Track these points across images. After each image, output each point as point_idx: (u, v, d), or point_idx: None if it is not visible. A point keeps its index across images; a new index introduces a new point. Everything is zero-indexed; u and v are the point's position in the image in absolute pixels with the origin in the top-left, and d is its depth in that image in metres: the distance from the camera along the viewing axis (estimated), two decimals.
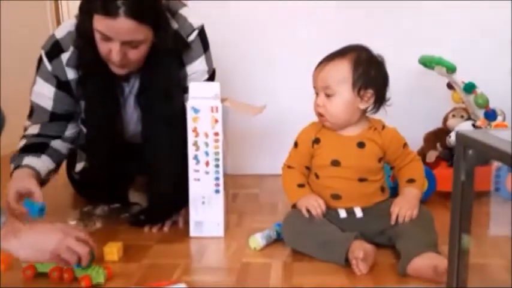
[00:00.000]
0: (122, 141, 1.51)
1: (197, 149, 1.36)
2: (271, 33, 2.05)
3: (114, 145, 1.47)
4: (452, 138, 1.67)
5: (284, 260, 1.25)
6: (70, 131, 1.52)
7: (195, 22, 1.47)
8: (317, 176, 1.33)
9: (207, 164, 1.36)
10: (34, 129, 1.48)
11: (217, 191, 1.38)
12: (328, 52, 1.31)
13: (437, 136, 1.78)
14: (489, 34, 1.95)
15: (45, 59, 1.44)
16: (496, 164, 1.59)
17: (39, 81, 1.46)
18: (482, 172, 1.60)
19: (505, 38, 1.92)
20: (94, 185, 1.55)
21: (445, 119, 1.82)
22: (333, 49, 1.31)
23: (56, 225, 1.11)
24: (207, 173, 1.37)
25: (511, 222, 1.32)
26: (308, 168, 1.35)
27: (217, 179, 1.37)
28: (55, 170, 1.50)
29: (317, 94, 1.31)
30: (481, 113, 1.70)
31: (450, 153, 1.71)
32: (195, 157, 1.36)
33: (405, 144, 1.35)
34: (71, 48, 1.42)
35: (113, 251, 1.24)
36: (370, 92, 1.27)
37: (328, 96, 1.28)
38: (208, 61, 1.52)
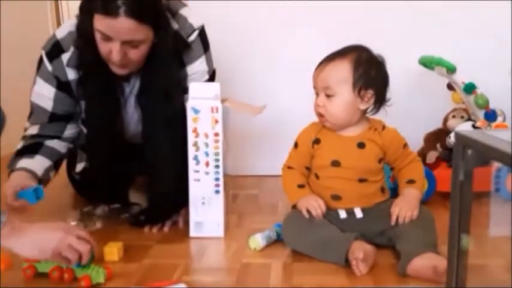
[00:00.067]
0: (122, 142, 1.51)
1: (197, 149, 1.36)
2: (271, 33, 2.05)
3: (114, 145, 1.47)
4: (452, 138, 1.67)
5: (284, 261, 1.25)
6: (69, 131, 1.52)
7: (196, 22, 1.47)
8: (317, 177, 1.33)
9: (207, 164, 1.36)
10: (33, 130, 1.48)
11: (217, 192, 1.38)
12: (328, 52, 1.31)
13: (438, 137, 1.78)
14: (489, 34, 1.95)
15: (45, 60, 1.44)
16: (496, 164, 1.59)
17: (40, 82, 1.46)
18: (482, 172, 1.60)
19: (505, 38, 1.92)
20: (94, 185, 1.55)
21: (445, 120, 1.82)
22: (333, 49, 1.31)
23: (58, 223, 1.12)
24: (207, 173, 1.37)
25: (511, 222, 1.31)
26: (308, 168, 1.35)
27: (217, 179, 1.37)
28: (55, 169, 1.50)
29: (317, 94, 1.31)
30: (481, 114, 1.70)
31: (450, 153, 1.71)
32: (195, 157, 1.36)
33: (405, 145, 1.35)
34: (72, 49, 1.42)
35: (113, 251, 1.24)
36: (370, 93, 1.27)
37: (328, 96, 1.28)
38: (209, 61, 1.52)
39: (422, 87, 1.99)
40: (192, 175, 1.37)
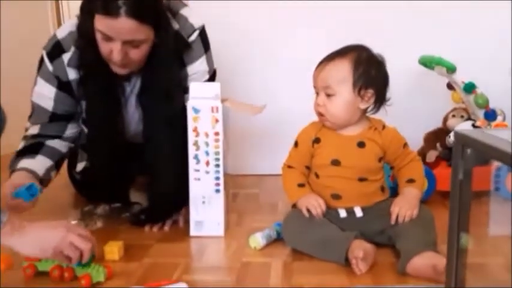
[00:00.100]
0: (123, 141, 1.52)
1: (197, 148, 1.36)
2: (271, 33, 2.05)
3: (115, 145, 1.47)
4: (452, 138, 1.67)
5: (284, 260, 1.25)
6: (70, 130, 1.52)
7: (196, 22, 1.47)
8: (317, 176, 1.33)
9: (208, 163, 1.37)
10: (34, 130, 1.49)
11: (217, 191, 1.38)
12: (328, 52, 1.31)
13: (437, 136, 1.78)
14: (489, 34, 1.95)
15: (46, 60, 1.44)
16: (495, 163, 1.59)
17: (40, 82, 1.46)
18: (482, 172, 1.60)
19: (505, 38, 1.92)
20: (95, 184, 1.56)
21: (445, 119, 1.82)
22: (333, 49, 1.31)
23: (59, 222, 1.13)
24: (207, 172, 1.37)
25: (511, 221, 1.32)
26: (308, 167, 1.35)
27: (217, 178, 1.38)
28: (56, 168, 1.50)
29: (317, 94, 1.31)
30: (481, 113, 1.71)
31: (450, 153, 1.71)
32: (196, 157, 1.37)
33: (405, 144, 1.35)
34: (72, 49, 1.42)
35: (113, 250, 1.25)
36: (370, 92, 1.27)
37: (328, 96, 1.28)
38: (209, 61, 1.52)
39: (422, 86, 1.99)
40: (192, 174, 1.37)
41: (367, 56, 1.29)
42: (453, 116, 1.80)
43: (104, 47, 1.31)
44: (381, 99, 1.30)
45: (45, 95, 1.46)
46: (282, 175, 1.38)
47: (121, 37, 1.27)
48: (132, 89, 1.49)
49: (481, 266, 1.18)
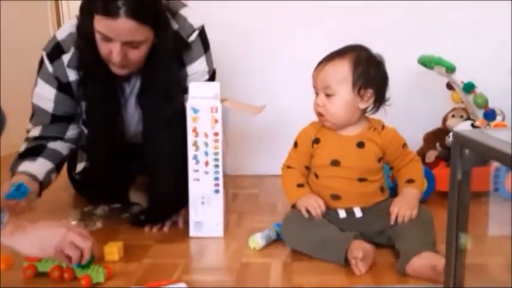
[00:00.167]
0: (123, 142, 1.52)
1: (197, 149, 1.36)
2: (271, 33, 2.06)
3: (114, 145, 1.47)
4: (451, 138, 1.67)
5: (284, 260, 1.25)
6: (71, 131, 1.52)
7: (196, 22, 1.47)
8: (317, 176, 1.33)
9: (207, 164, 1.37)
10: (35, 132, 1.49)
11: (216, 191, 1.38)
12: (328, 52, 1.31)
13: (437, 136, 1.78)
14: (489, 34, 1.95)
15: (46, 61, 1.44)
16: (495, 163, 1.59)
17: (40, 83, 1.47)
18: (482, 172, 1.60)
19: (505, 38, 1.92)
20: (95, 185, 1.56)
21: (445, 119, 1.82)
22: (333, 49, 1.31)
23: (59, 222, 1.13)
24: (206, 173, 1.37)
25: (511, 221, 1.32)
26: (308, 168, 1.35)
27: (216, 179, 1.38)
28: (57, 170, 1.50)
29: (317, 94, 1.31)
30: (480, 113, 1.71)
31: (449, 153, 1.71)
32: (195, 157, 1.36)
33: (405, 144, 1.35)
34: (72, 50, 1.42)
35: (113, 250, 1.25)
36: (370, 92, 1.27)
37: (328, 96, 1.28)
38: (209, 61, 1.52)
39: (421, 86, 1.99)
40: (191, 175, 1.37)
41: (366, 56, 1.29)
42: (452, 116, 1.80)
43: (103, 48, 1.31)
44: (380, 99, 1.30)
45: (45, 96, 1.46)
46: (282, 175, 1.38)
47: (120, 38, 1.27)
48: (132, 89, 1.49)
49: (480, 266, 1.18)
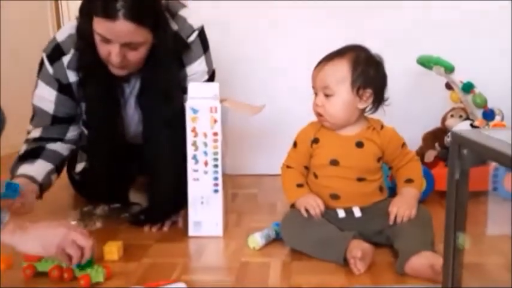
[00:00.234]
0: (123, 142, 1.52)
1: (196, 149, 1.36)
2: (271, 33, 2.06)
3: (114, 146, 1.48)
4: (450, 138, 1.67)
5: (283, 259, 1.25)
6: (72, 133, 1.52)
7: (195, 23, 1.47)
8: (316, 176, 1.33)
9: (206, 163, 1.37)
10: (36, 133, 1.49)
11: (216, 191, 1.39)
12: (328, 52, 1.32)
13: (436, 136, 1.78)
14: (488, 34, 1.95)
15: (46, 62, 1.44)
16: (493, 163, 1.60)
17: (41, 85, 1.47)
18: (480, 171, 1.60)
19: (505, 38, 1.92)
20: (94, 185, 1.56)
21: (444, 119, 1.82)
22: (332, 49, 1.32)
23: (60, 222, 1.14)
24: (205, 172, 1.37)
25: (511, 221, 1.32)
26: (307, 168, 1.36)
27: (216, 179, 1.38)
28: (57, 172, 1.50)
29: (316, 94, 1.31)
30: (479, 113, 1.71)
31: (448, 153, 1.71)
32: (194, 157, 1.37)
33: (403, 144, 1.35)
34: (72, 51, 1.42)
35: (112, 250, 1.25)
36: (368, 92, 1.28)
37: (327, 96, 1.28)
38: (208, 62, 1.52)
39: (420, 86, 1.99)
40: (191, 174, 1.37)
41: (365, 56, 1.29)
42: (451, 115, 1.81)
43: (102, 49, 1.31)
44: (379, 99, 1.30)
45: (46, 97, 1.46)
46: (281, 175, 1.38)
47: (119, 39, 1.27)
48: (132, 90, 1.49)
49: (478, 265, 1.18)
